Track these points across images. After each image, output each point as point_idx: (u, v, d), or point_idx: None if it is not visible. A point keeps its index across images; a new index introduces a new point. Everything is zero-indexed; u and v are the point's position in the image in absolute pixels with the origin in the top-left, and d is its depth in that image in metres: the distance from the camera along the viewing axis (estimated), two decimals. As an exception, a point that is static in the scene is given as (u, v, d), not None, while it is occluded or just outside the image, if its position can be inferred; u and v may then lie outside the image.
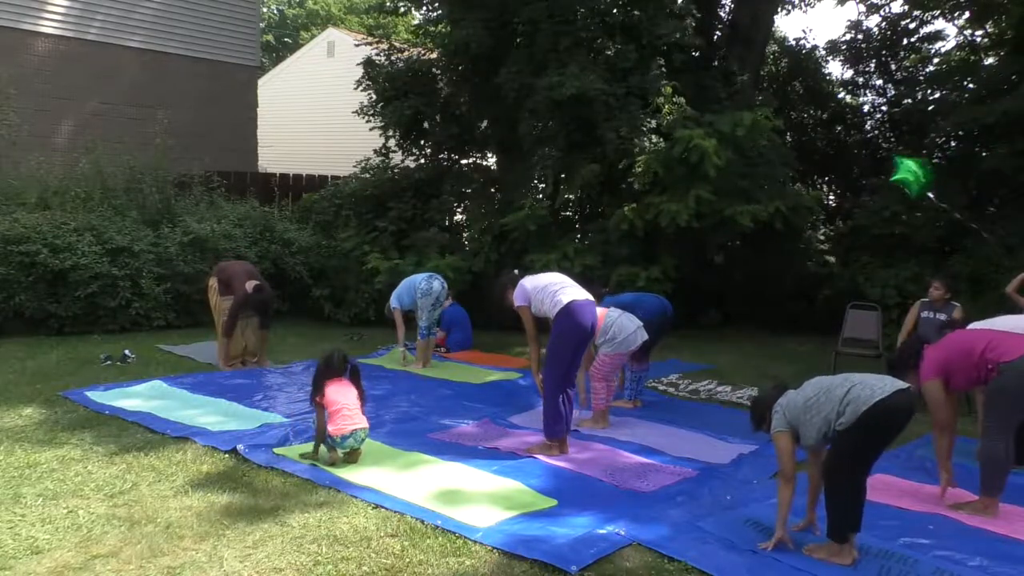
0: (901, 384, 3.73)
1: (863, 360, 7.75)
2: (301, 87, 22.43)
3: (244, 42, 14.63)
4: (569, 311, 5.19)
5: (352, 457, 4.85)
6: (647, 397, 6.90)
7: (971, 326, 5.34)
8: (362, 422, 4.90)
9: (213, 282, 7.72)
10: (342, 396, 4.93)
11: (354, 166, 11.83)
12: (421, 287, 7.85)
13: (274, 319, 9.66)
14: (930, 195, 7.89)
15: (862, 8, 13.26)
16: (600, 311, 6.06)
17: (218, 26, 14.17)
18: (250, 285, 7.43)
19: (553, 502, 4.37)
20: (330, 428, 4.80)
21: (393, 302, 8.05)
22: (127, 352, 7.61)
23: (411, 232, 10.55)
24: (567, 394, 5.25)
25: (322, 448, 4.90)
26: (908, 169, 7.79)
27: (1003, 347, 4.38)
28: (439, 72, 11.53)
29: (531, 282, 5.48)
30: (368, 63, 11.80)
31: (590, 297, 5.39)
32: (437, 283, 7.93)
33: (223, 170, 12.12)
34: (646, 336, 6.00)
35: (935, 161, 11.33)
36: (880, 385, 3.68)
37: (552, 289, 5.34)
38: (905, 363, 4.57)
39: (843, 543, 3.71)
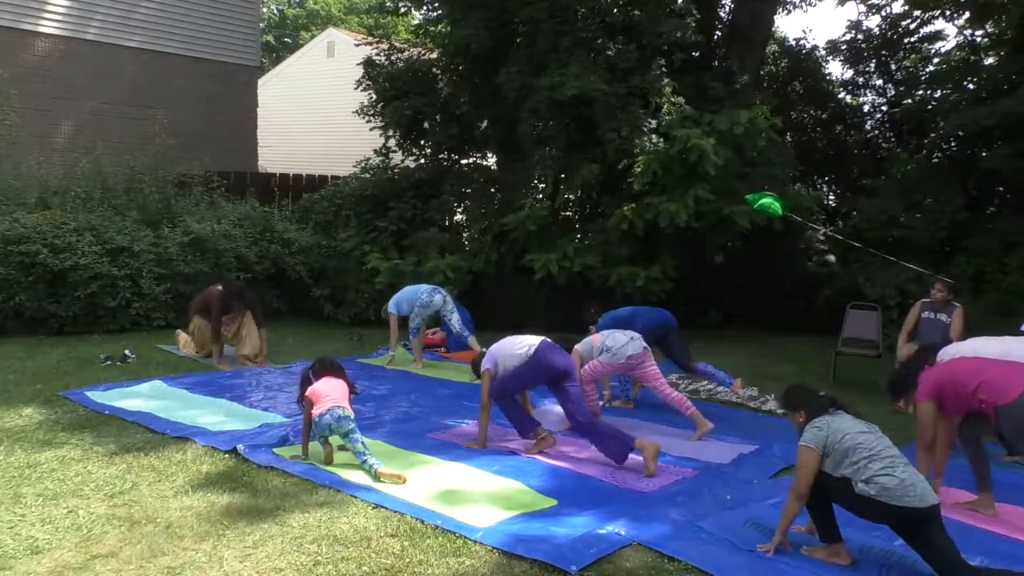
0: (934, 499, 3.53)
1: (863, 360, 7.75)
2: (301, 87, 22.42)
3: (244, 42, 14.63)
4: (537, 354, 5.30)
5: (393, 477, 4.61)
6: (647, 397, 6.89)
7: (969, 343, 5.27)
8: (342, 402, 4.88)
9: (198, 321, 7.82)
10: (328, 387, 4.95)
11: (354, 166, 11.84)
12: (423, 299, 7.89)
13: (274, 319, 9.70)
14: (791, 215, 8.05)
15: (862, 8, 13.32)
16: (592, 337, 6.13)
17: (218, 26, 14.17)
18: (219, 286, 7.73)
19: (553, 502, 4.37)
20: (313, 412, 4.82)
21: (391, 307, 8.04)
22: (127, 352, 7.61)
23: (411, 232, 10.55)
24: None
25: (318, 447, 4.90)
26: (767, 204, 7.84)
27: (998, 388, 4.27)
28: (439, 72, 11.53)
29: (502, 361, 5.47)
30: (368, 63, 11.81)
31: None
32: (439, 296, 7.95)
33: (223, 170, 12.13)
34: (644, 345, 5.96)
35: (934, 161, 11.35)
36: (919, 491, 3.49)
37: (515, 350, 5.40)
38: (905, 382, 4.55)
39: (837, 543, 3.71)
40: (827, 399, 3.90)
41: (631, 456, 5.25)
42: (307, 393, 4.96)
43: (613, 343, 5.89)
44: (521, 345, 5.40)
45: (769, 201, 7.66)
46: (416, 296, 7.94)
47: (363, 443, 4.78)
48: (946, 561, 3.46)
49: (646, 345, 5.96)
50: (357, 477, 4.61)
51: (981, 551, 3.88)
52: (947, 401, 4.45)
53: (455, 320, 8.01)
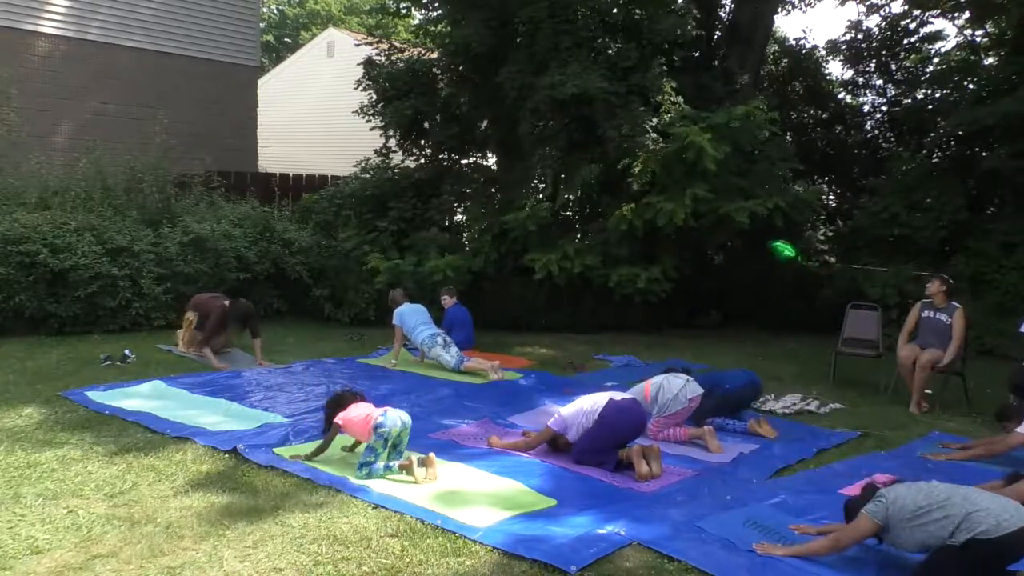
0: None
1: (863, 360, 7.75)
2: (301, 87, 22.45)
3: (244, 42, 14.63)
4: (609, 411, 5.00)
5: (430, 473, 4.60)
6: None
7: None
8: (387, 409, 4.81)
9: (191, 315, 7.93)
10: (360, 409, 4.86)
11: (354, 166, 11.84)
12: (418, 339, 7.84)
13: (274, 319, 9.70)
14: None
15: (862, 8, 13.32)
16: (644, 385, 5.74)
17: (218, 26, 14.17)
18: (226, 302, 7.82)
19: (553, 502, 4.37)
20: (370, 420, 4.70)
21: (396, 319, 8.03)
22: (127, 352, 7.61)
23: (411, 232, 10.55)
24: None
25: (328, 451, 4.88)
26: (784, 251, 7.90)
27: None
28: (439, 72, 11.53)
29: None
30: (368, 63, 11.81)
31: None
32: (438, 348, 7.77)
33: (223, 170, 12.12)
34: (698, 390, 5.64)
35: (934, 161, 11.36)
36: (1006, 515, 3.33)
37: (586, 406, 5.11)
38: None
39: None
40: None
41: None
42: (339, 421, 4.81)
43: (667, 391, 5.56)
44: (588, 410, 5.06)
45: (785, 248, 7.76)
46: (412, 333, 7.88)
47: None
48: None
49: (702, 390, 5.66)
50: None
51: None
52: None
53: (453, 353, 7.80)
